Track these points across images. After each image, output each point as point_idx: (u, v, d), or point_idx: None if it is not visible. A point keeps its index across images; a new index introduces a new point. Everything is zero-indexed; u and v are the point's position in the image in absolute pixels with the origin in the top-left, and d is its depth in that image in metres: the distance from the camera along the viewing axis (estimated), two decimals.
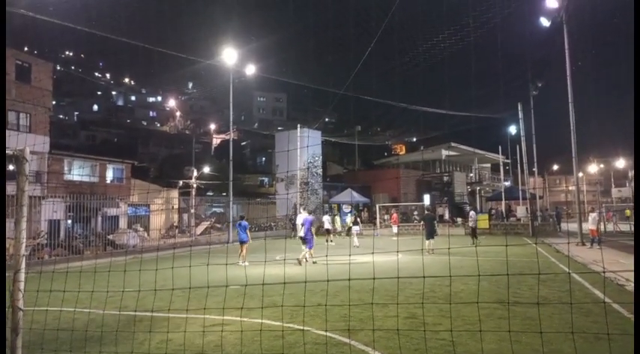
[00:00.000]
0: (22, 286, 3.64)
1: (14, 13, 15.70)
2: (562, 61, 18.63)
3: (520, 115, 28.60)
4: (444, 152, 48.49)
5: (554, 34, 19.36)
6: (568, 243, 18.04)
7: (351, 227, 26.54)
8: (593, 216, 17.84)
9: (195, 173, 34.89)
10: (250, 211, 36.81)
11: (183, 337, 5.35)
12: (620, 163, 59.48)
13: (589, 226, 17.92)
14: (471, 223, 20.87)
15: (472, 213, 21.65)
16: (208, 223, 34.19)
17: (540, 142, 31.45)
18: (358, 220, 24.82)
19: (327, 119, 65.68)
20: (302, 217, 14.59)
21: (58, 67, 67.44)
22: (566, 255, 14.74)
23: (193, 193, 34.45)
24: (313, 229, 14.45)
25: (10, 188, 3.68)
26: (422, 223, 19.42)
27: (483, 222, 30.39)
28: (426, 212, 18.92)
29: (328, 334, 5.76)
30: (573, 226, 27.78)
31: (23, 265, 3.65)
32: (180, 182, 35.41)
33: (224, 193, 37.86)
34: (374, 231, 25.42)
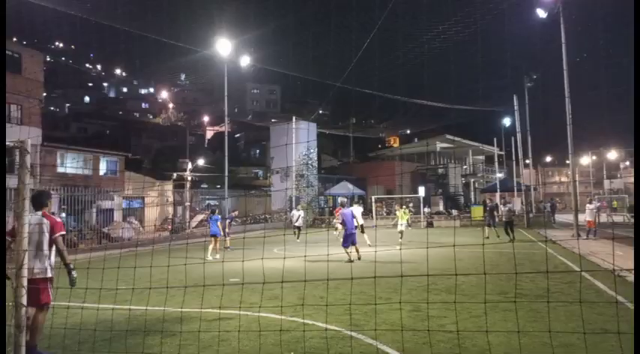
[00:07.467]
0: (25, 281, 3.52)
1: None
2: (558, 53, 18.60)
3: (515, 106, 28.63)
4: (439, 144, 48.58)
5: (550, 25, 19.31)
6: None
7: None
8: (590, 207, 17.76)
9: (189, 166, 34.56)
10: (245, 204, 36.69)
11: (195, 335, 5.26)
12: (612, 154, 59.89)
13: (586, 217, 17.90)
14: (505, 218, 18.15)
15: (509, 206, 18.92)
16: (203, 215, 33.95)
17: (533, 134, 31.60)
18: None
19: (320, 111, 65.41)
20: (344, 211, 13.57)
21: (48, 58, 66.46)
22: (564, 247, 14.80)
23: (188, 185, 34.14)
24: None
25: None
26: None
27: (478, 212, 30.58)
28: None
29: (334, 327, 5.69)
30: (566, 218, 28.02)
31: (26, 260, 3.53)
32: (175, 175, 35.07)
33: (218, 186, 37.65)
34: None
